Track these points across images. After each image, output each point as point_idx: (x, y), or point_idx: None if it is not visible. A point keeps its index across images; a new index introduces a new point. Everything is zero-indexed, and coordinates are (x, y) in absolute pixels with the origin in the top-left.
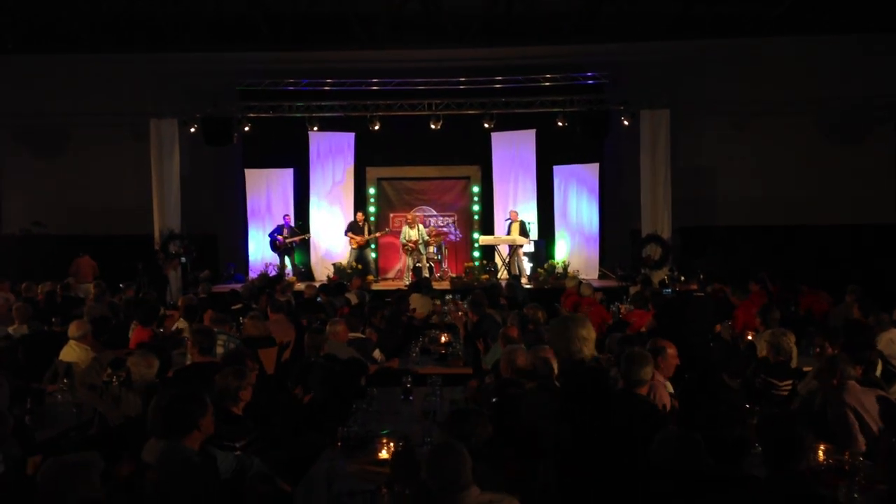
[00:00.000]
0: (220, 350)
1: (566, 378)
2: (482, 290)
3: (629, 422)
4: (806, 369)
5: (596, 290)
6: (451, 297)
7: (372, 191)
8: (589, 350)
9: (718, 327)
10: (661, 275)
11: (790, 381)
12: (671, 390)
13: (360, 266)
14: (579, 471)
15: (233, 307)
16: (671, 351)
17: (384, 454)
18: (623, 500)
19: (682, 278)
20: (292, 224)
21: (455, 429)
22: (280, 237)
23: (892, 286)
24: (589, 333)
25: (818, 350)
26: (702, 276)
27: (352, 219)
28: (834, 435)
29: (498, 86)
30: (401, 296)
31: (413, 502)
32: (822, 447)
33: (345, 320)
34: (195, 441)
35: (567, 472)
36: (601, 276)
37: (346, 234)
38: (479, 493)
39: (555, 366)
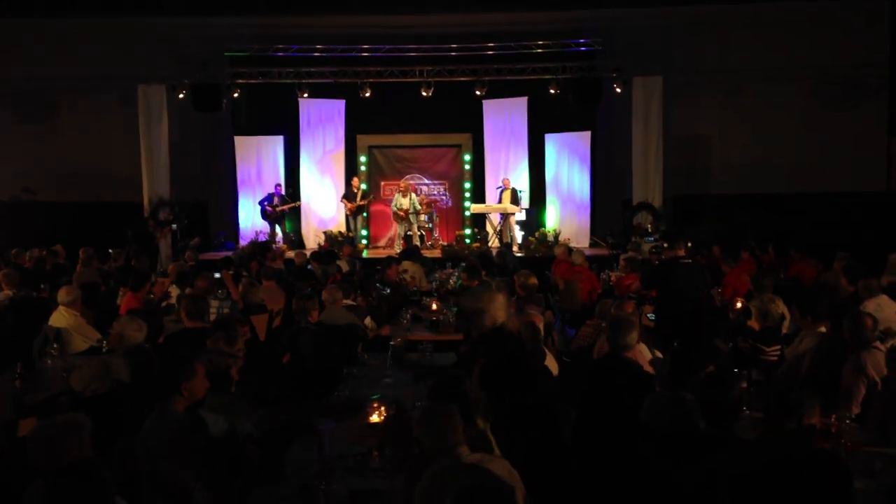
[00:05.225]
0: (213, 317)
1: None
2: (476, 258)
3: (616, 385)
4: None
5: (587, 258)
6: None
7: (363, 159)
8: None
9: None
10: (648, 244)
11: (778, 347)
12: (649, 356)
13: (351, 234)
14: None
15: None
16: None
17: (375, 418)
18: (614, 462)
19: (665, 245)
20: (283, 192)
21: (439, 393)
22: (270, 207)
23: (885, 252)
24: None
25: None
26: (689, 244)
27: (344, 185)
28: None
29: (490, 52)
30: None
31: (403, 465)
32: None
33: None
34: (181, 404)
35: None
36: (592, 245)
37: (341, 201)
38: (469, 454)
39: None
